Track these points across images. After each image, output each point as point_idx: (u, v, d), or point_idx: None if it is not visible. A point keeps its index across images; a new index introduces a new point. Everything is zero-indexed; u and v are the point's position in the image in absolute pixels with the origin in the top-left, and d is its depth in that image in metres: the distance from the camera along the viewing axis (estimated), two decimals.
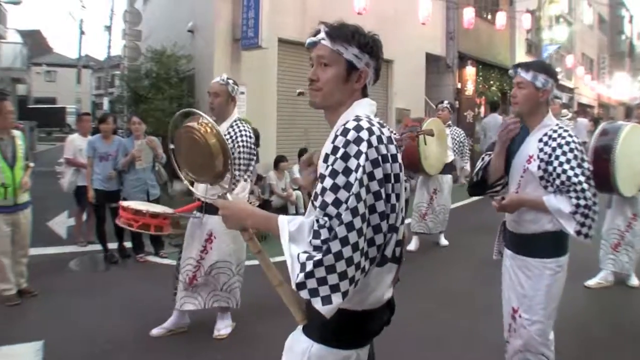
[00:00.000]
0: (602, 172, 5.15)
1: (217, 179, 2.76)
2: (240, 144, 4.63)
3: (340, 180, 1.88)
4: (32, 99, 45.09)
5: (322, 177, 1.93)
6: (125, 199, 7.74)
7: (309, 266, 1.83)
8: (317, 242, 1.85)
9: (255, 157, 4.79)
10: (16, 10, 75.22)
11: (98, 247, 8.12)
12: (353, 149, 1.90)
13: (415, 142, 7.30)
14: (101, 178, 7.64)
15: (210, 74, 10.70)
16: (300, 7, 12.39)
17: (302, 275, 1.84)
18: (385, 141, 1.97)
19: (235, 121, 4.71)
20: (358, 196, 1.85)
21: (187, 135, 2.81)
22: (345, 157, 1.90)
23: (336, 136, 1.97)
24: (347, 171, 1.89)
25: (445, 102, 8.99)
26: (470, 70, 18.71)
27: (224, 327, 5.10)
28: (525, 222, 3.39)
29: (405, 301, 5.29)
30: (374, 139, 1.92)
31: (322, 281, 1.83)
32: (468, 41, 18.34)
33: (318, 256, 1.82)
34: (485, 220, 8.75)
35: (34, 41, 42.38)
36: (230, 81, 4.68)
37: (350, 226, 1.83)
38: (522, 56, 23.03)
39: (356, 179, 1.86)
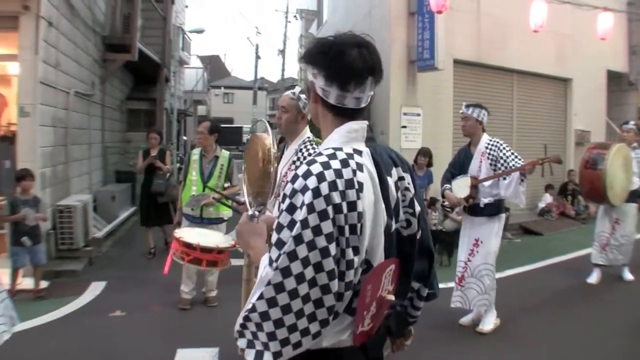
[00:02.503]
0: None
1: (260, 196, 2.49)
2: None
3: (285, 235, 1.70)
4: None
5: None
6: None
7: (242, 318, 1.75)
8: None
9: None
10: (198, 38, 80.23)
11: None
12: (298, 200, 1.70)
13: (602, 172, 6.95)
14: None
15: (386, 96, 10.84)
16: (474, 27, 12.23)
17: (238, 324, 1.77)
18: (341, 187, 1.70)
19: (305, 141, 4.09)
20: (292, 255, 1.66)
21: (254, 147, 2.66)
22: (291, 209, 1.71)
23: (287, 182, 1.77)
24: (292, 225, 1.69)
25: (632, 122, 8.12)
26: None
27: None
28: None
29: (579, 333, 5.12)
30: (324, 187, 1.68)
31: (254, 335, 1.74)
32: None
33: (247, 312, 1.73)
34: None
35: (214, 65, 45.03)
36: (303, 96, 4.09)
37: (279, 287, 1.67)
38: None
39: (291, 236, 1.67)
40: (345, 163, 1.75)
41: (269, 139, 2.41)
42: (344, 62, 1.87)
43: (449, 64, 11.48)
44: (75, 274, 8.04)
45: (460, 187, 5.87)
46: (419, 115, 11.13)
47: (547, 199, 13.19)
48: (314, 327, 1.72)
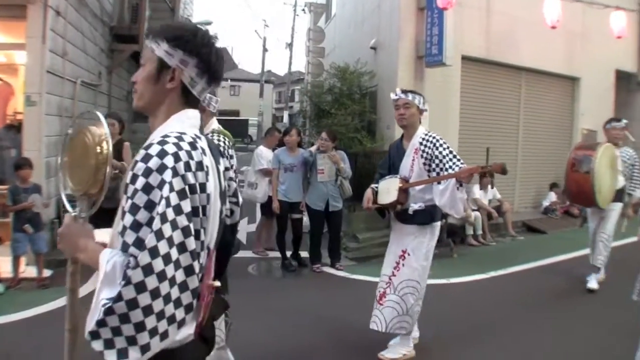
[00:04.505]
0: None
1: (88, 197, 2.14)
2: None
3: (142, 216, 1.63)
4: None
5: (123, 212, 1.67)
6: (307, 208, 8.05)
7: (102, 313, 1.57)
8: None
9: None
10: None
11: (275, 254, 8.48)
12: (156, 179, 1.64)
13: (590, 175, 6.56)
14: (285, 189, 7.94)
15: (393, 91, 10.80)
16: (484, 23, 12.18)
17: (94, 323, 1.59)
18: (194, 168, 1.71)
19: (208, 134, 3.93)
20: (159, 233, 1.58)
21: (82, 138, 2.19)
22: (147, 189, 1.64)
23: (136, 162, 1.69)
24: (149, 205, 1.63)
25: (623, 120, 7.53)
26: None
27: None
28: None
29: (580, 332, 5.07)
30: (180, 167, 1.67)
31: (116, 331, 1.58)
32: None
33: (107, 305, 1.56)
34: None
35: None
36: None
37: (148, 269, 1.56)
38: None
39: (158, 213, 1.60)
40: (194, 146, 1.76)
41: (103, 136, 2.10)
42: (220, 60, 1.93)
43: (457, 60, 11.44)
44: None
45: (387, 191, 4.93)
46: (425, 110, 11.07)
47: (552, 197, 13.14)
48: (179, 314, 1.66)
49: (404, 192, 4.81)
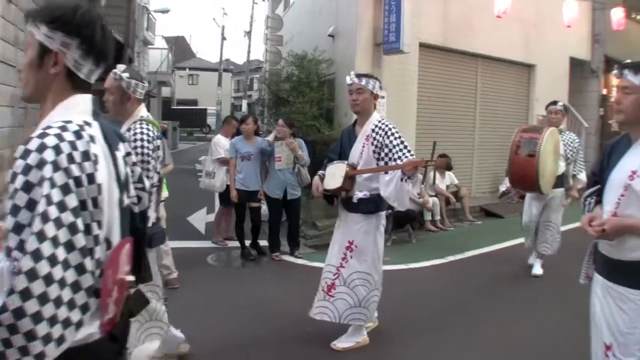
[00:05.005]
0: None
1: None
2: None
3: (24, 217, 1.51)
4: (175, 100, 47.43)
5: (5, 214, 1.54)
6: (266, 197, 8.02)
7: None
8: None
9: (151, 166, 3.75)
10: (163, 18, 79.22)
11: (234, 243, 8.39)
12: (36, 176, 1.52)
13: (535, 158, 6.43)
14: (242, 178, 7.89)
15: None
16: (441, 11, 12.24)
17: None
18: (78, 159, 1.59)
19: (135, 122, 3.77)
20: (40, 234, 1.47)
21: None
22: (27, 187, 1.52)
23: (15, 159, 1.58)
24: (31, 205, 1.51)
25: (560, 103, 7.46)
26: None
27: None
28: (623, 248, 2.77)
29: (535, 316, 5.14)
30: (62, 159, 1.55)
31: (6, 343, 1.45)
32: (616, 44, 17.34)
33: None
34: None
35: (179, 47, 44.58)
36: (125, 75, 3.71)
37: (32, 275, 1.44)
38: None
39: (38, 213, 1.49)
40: (78, 135, 1.64)
41: None
42: (106, 38, 1.83)
43: (414, 48, 11.50)
44: None
45: (333, 176, 4.81)
46: (383, 97, 11.11)
47: (508, 182, 13.30)
48: (75, 316, 1.55)
49: (350, 178, 4.73)
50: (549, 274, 7.36)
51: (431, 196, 10.58)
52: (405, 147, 4.58)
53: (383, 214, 4.93)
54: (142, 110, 3.71)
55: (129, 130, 3.67)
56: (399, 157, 4.51)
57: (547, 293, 6.68)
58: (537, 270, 7.46)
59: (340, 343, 4.92)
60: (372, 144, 4.69)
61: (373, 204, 4.75)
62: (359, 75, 4.82)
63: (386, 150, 4.60)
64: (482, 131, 13.58)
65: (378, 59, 11.23)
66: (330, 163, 4.99)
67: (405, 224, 9.50)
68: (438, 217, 10.65)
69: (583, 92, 17.35)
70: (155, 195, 3.71)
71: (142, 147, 3.60)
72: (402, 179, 4.45)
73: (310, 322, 5.05)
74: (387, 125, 4.70)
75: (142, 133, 3.66)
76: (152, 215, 3.60)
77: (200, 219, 10.51)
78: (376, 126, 4.73)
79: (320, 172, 5.05)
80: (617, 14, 15.78)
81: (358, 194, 4.74)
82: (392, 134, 4.63)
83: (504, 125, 13.66)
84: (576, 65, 16.62)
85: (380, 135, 4.66)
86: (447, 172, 11.19)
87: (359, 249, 4.80)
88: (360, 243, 4.80)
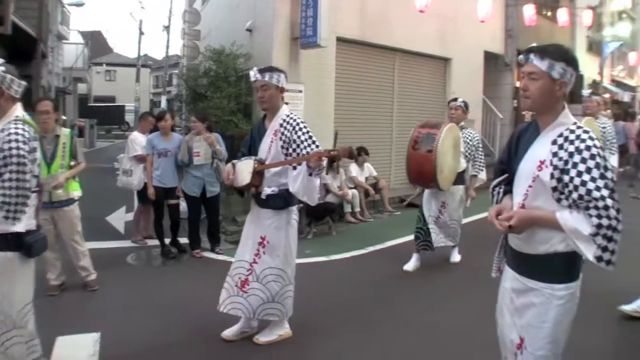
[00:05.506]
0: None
1: None
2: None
3: None
4: (92, 97, 46.27)
5: None
6: (184, 195, 7.91)
7: None
8: None
9: (28, 169, 3.36)
10: (78, 12, 77.01)
11: (155, 242, 8.24)
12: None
13: (432, 154, 6.51)
14: (159, 174, 7.75)
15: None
16: (359, 5, 12.35)
17: None
18: None
19: (10, 122, 3.45)
20: None
21: None
22: None
23: None
24: None
25: (460, 99, 7.50)
26: None
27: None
28: (532, 242, 2.78)
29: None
30: None
31: None
32: (527, 39, 17.84)
33: None
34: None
35: (95, 42, 43.54)
36: (1, 69, 3.43)
37: None
38: (582, 54, 22.49)
39: None
40: None
41: None
42: None
43: (332, 42, 11.55)
44: None
45: (242, 172, 4.75)
46: (300, 92, 11.12)
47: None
48: None
49: (258, 174, 4.69)
50: (466, 262, 7.56)
51: (350, 188, 10.69)
52: (314, 142, 4.57)
53: (294, 208, 4.90)
54: (17, 110, 3.47)
55: (2, 130, 3.39)
56: (307, 153, 4.49)
57: (466, 279, 6.84)
58: (455, 257, 7.66)
59: (263, 337, 4.93)
60: (280, 139, 4.65)
61: (282, 200, 4.73)
62: (261, 71, 4.71)
63: (294, 145, 4.57)
64: (400, 124, 13.76)
65: (296, 53, 11.22)
66: (241, 158, 4.89)
67: (325, 217, 9.56)
68: (358, 209, 10.76)
69: (498, 84, 17.90)
70: (35, 201, 3.52)
71: (18, 148, 3.30)
72: (310, 174, 4.44)
73: (234, 318, 5.00)
74: (295, 120, 4.66)
75: (17, 134, 3.36)
76: (31, 222, 3.45)
77: (119, 218, 10.28)
78: (284, 121, 4.69)
79: (234, 161, 4.93)
80: (529, 11, 16.44)
81: (267, 190, 4.70)
82: (300, 129, 4.60)
83: (421, 117, 13.73)
84: (491, 59, 17.13)
85: (288, 130, 4.62)
86: (365, 164, 11.31)
87: (271, 245, 4.77)
88: (272, 239, 4.77)
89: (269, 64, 10.75)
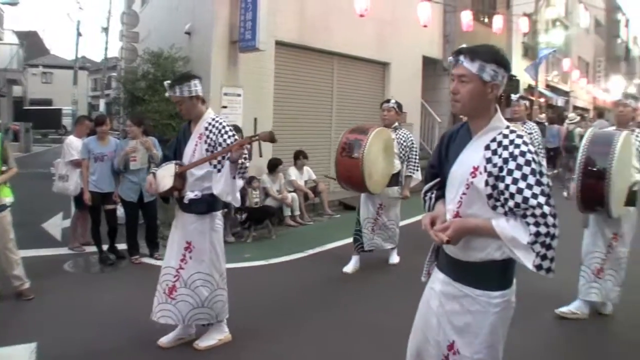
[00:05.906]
0: (596, 191, 5.00)
1: None
2: None
3: None
4: (28, 100, 45.12)
5: None
6: (121, 200, 7.81)
7: None
8: None
9: None
10: (13, 11, 75.07)
11: (93, 248, 8.07)
12: None
13: (359, 160, 6.52)
14: (95, 179, 7.64)
15: (207, 76, 10.68)
16: (298, 9, 12.42)
17: None
18: None
19: None
20: None
21: None
22: None
23: None
24: None
25: (392, 101, 7.56)
26: None
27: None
28: (468, 249, 2.71)
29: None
30: None
31: None
32: (465, 44, 18.26)
33: None
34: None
35: (31, 42, 42.38)
36: None
37: None
38: (518, 59, 23.10)
39: None
40: None
41: None
42: None
43: (271, 45, 11.57)
44: None
45: (164, 177, 4.73)
46: (239, 95, 11.11)
47: None
48: None
49: (180, 176, 4.66)
50: (405, 263, 7.67)
51: (290, 192, 10.73)
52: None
53: (218, 214, 4.88)
54: None
55: None
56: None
57: (405, 280, 6.87)
58: (394, 259, 7.78)
59: (202, 342, 4.90)
60: (205, 142, 4.64)
61: (205, 205, 4.71)
62: (171, 86, 4.69)
63: (220, 149, 4.57)
64: (339, 127, 13.78)
65: (234, 57, 11.21)
66: (160, 165, 4.90)
67: (264, 220, 9.56)
68: (297, 212, 10.79)
69: (436, 89, 18.26)
70: None
71: None
72: (233, 177, 4.49)
73: (171, 325, 4.96)
74: (220, 124, 4.67)
75: None
76: None
77: (56, 224, 10.03)
78: (210, 124, 4.68)
79: (153, 169, 4.92)
80: (466, 17, 16.76)
81: (189, 195, 4.68)
82: (226, 132, 4.61)
83: (360, 121, 13.86)
84: (429, 63, 17.46)
85: (214, 134, 4.62)
86: (305, 168, 11.37)
87: (197, 249, 4.75)
88: (197, 243, 4.75)
89: (207, 67, 10.81)
